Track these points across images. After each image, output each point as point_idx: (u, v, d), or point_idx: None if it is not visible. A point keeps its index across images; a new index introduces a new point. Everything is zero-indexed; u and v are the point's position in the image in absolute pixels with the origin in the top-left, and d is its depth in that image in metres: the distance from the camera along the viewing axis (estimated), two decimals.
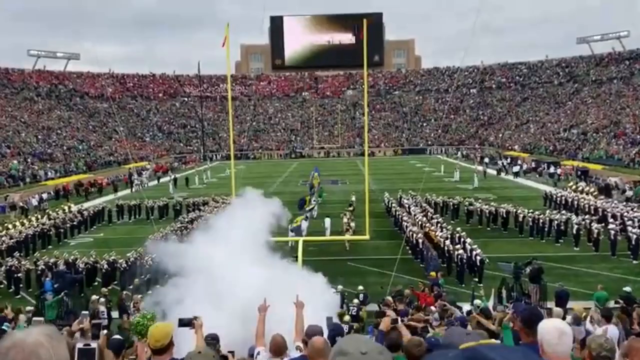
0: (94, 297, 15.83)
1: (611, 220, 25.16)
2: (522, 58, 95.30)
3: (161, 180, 53.60)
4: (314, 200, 31.73)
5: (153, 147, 76.63)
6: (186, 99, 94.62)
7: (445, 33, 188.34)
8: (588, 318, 9.42)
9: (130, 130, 79.54)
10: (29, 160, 52.69)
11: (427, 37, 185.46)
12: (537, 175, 48.72)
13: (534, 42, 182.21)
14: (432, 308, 12.22)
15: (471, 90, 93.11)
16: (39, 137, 61.76)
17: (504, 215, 27.39)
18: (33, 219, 29.95)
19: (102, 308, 14.96)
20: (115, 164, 61.70)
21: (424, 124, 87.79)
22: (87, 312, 8.10)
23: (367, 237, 21.63)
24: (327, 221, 27.56)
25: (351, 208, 29.71)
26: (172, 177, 49.37)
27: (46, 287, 17.30)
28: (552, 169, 47.59)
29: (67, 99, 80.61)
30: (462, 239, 21.14)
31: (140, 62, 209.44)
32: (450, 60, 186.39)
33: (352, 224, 25.92)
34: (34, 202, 38.46)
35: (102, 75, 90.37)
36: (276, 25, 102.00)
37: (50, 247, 26.84)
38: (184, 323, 5.00)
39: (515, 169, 49.31)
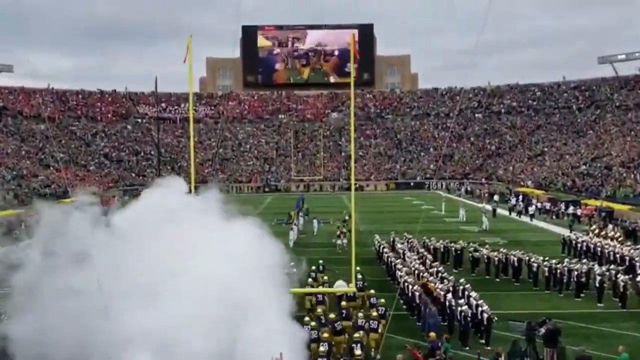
0: None
1: None
2: (535, 79, 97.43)
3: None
4: (301, 216, 45.76)
5: (99, 178, 75.91)
6: (140, 120, 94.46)
7: (447, 48, 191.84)
8: None
9: (72, 157, 78.85)
10: None
11: (425, 53, 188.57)
12: (554, 217, 49.14)
13: (549, 61, 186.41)
14: None
15: (476, 115, 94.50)
16: None
17: (516, 264, 27.44)
18: None
19: None
20: (53, 198, 60.89)
21: (422, 154, 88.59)
22: None
23: (353, 288, 21.50)
24: (315, 222, 42.81)
25: (345, 223, 37.17)
26: None
27: None
28: (570, 209, 48.05)
29: None
30: (466, 293, 21.10)
31: (86, 78, 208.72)
32: (452, 80, 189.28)
33: (345, 234, 34.81)
34: None
35: (39, 92, 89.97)
36: (249, 37, 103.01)
37: None
38: None
39: (532, 209, 49.58)
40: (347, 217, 38.92)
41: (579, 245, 32.13)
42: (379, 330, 17.93)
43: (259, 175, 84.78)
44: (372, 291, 21.38)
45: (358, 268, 22.29)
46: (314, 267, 24.74)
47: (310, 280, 23.40)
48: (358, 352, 15.66)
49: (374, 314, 18.55)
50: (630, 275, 24.62)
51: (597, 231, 36.43)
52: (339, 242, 35.13)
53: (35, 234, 15.06)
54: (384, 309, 19.37)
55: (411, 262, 26.51)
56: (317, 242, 38.04)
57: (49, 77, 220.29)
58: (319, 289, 22.27)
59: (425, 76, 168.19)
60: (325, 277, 23.79)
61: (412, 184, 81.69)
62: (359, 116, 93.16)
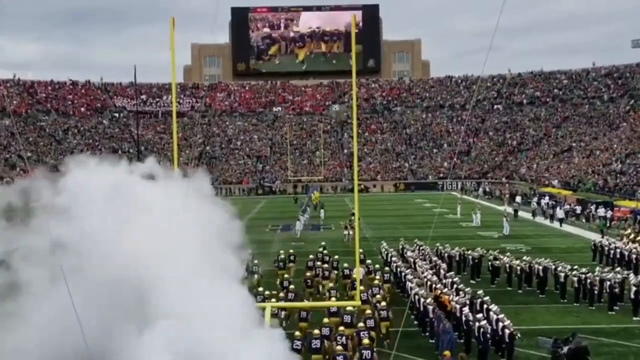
0: None
1: None
2: (561, 65, 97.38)
3: None
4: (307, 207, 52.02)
5: None
6: (117, 114, 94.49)
7: (462, 32, 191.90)
8: None
9: (41, 156, 78.87)
10: None
11: (438, 37, 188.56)
12: (583, 220, 49.10)
13: (577, 46, 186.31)
14: None
15: (495, 107, 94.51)
16: None
17: (541, 274, 27.36)
18: None
19: None
20: None
21: (434, 151, 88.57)
22: None
23: (357, 302, 21.43)
24: (322, 212, 51.62)
25: (353, 216, 38.12)
26: None
27: None
28: (602, 212, 47.99)
29: None
30: (485, 306, 21.06)
31: (57, 67, 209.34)
32: (468, 67, 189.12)
33: (352, 229, 36.10)
34: None
35: (3, 83, 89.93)
36: (240, 19, 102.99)
37: None
38: None
39: (560, 213, 49.40)
40: (354, 211, 39.36)
41: (612, 252, 32.00)
42: (382, 292, 22.87)
43: (251, 176, 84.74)
44: (369, 261, 27.87)
45: (361, 250, 24.40)
46: (324, 251, 29.69)
47: (319, 263, 27.37)
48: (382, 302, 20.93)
49: (376, 281, 24.20)
50: None
51: (632, 236, 36.30)
52: (345, 232, 39.45)
53: None
54: (388, 275, 25.87)
55: (423, 272, 26.43)
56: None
57: (15, 66, 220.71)
58: (312, 303, 22.30)
59: (438, 63, 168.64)
60: (337, 257, 28.76)
61: (427, 184, 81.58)
62: (363, 108, 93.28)
